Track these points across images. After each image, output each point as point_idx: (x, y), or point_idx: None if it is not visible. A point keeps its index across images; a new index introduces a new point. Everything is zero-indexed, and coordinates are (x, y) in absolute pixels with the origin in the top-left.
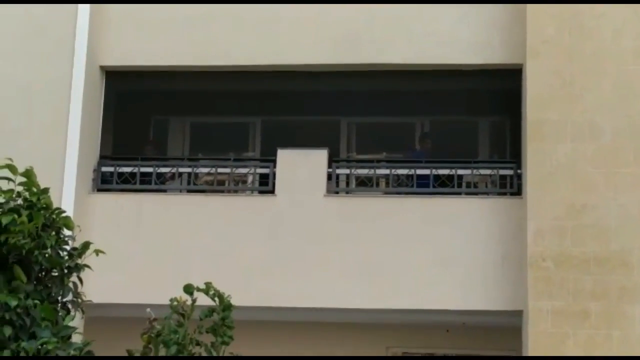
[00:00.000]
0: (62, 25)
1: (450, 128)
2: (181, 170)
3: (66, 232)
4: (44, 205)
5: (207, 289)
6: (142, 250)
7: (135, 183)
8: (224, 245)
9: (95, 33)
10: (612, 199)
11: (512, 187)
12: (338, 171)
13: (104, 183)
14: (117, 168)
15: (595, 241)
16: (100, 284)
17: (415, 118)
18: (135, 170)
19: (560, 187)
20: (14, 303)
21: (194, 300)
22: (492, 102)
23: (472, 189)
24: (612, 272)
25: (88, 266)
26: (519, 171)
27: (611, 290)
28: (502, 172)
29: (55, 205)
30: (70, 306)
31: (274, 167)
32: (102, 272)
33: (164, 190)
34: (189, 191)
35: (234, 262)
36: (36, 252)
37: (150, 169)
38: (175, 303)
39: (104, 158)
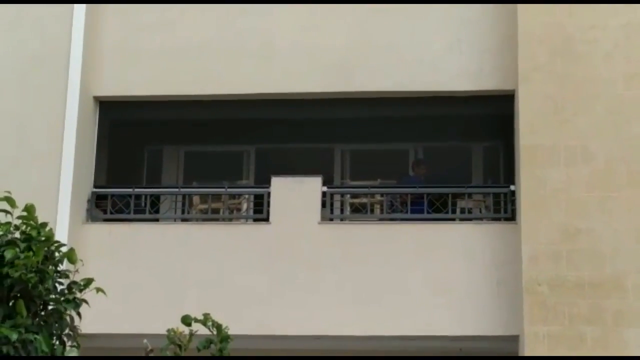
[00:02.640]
0: (56, 57)
1: (444, 154)
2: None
3: (65, 265)
4: (44, 239)
5: (205, 320)
6: (137, 280)
7: (129, 213)
8: (219, 273)
9: (88, 64)
10: (606, 223)
11: (506, 212)
12: (332, 190)
13: (97, 213)
14: (111, 198)
15: (590, 265)
16: (95, 314)
17: (409, 145)
18: (130, 199)
19: (555, 211)
20: (14, 337)
21: (191, 332)
22: (485, 127)
23: (467, 214)
24: (607, 296)
25: (86, 301)
26: (512, 195)
27: (606, 314)
28: (496, 197)
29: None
30: (65, 339)
31: (268, 195)
32: (96, 302)
33: (158, 220)
34: (183, 220)
35: (229, 291)
36: (40, 287)
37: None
38: (172, 334)
39: (97, 188)
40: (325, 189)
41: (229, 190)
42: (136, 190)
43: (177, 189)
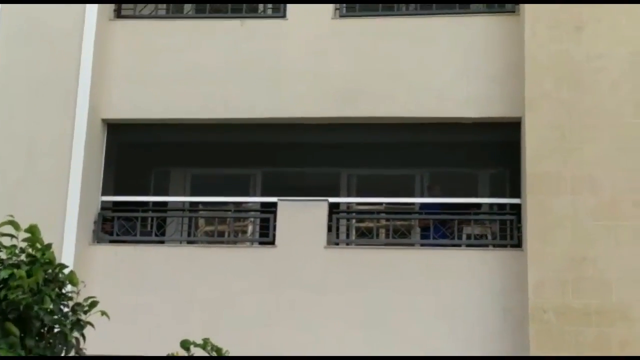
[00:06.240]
0: (65, 79)
1: (450, 180)
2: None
3: (69, 287)
4: (47, 261)
5: (205, 344)
6: (142, 301)
7: (135, 234)
8: (224, 296)
9: (97, 86)
10: (612, 251)
11: (512, 239)
12: (341, 203)
13: (103, 234)
14: (118, 219)
15: (596, 294)
16: (100, 335)
17: (415, 170)
18: (136, 221)
19: (561, 239)
20: None
21: (190, 356)
22: (491, 154)
23: (473, 240)
24: (614, 325)
25: (91, 324)
26: (518, 222)
27: (613, 343)
28: (502, 224)
29: (56, 257)
30: None
31: (274, 218)
32: (101, 323)
33: (164, 242)
34: (189, 242)
35: (235, 313)
36: (36, 308)
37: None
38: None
39: (104, 210)
40: (337, 200)
41: (235, 212)
42: (143, 214)
43: (182, 211)
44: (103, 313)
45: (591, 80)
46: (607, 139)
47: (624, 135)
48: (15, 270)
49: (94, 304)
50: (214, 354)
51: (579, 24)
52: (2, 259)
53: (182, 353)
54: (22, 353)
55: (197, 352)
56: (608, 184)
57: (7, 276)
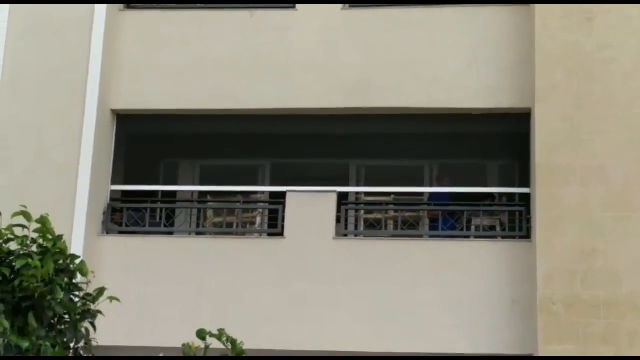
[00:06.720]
0: (75, 70)
1: (459, 171)
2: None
3: (80, 277)
4: (58, 251)
5: (220, 335)
6: (151, 292)
7: (144, 225)
8: (233, 287)
9: (106, 77)
10: (621, 243)
11: (521, 230)
12: (350, 194)
13: (113, 225)
14: (127, 210)
15: (606, 285)
16: (109, 326)
17: (425, 161)
18: (145, 212)
19: (570, 231)
20: (25, 345)
21: (206, 346)
22: (501, 145)
23: (482, 232)
24: (623, 317)
25: (101, 312)
26: (527, 213)
27: (622, 334)
28: (511, 215)
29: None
30: (82, 352)
31: (283, 209)
32: (111, 314)
33: (173, 233)
34: (198, 233)
35: (243, 305)
36: (49, 297)
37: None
38: (187, 349)
39: (114, 201)
40: (346, 189)
41: (244, 204)
42: (152, 205)
43: (191, 202)
44: (112, 299)
45: (601, 71)
46: (617, 130)
47: (634, 126)
48: (29, 260)
49: (101, 292)
50: (229, 344)
51: (589, 15)
52: (13, 250)
53: (197, 343)
54: (34, 340)
55: (212, 342)
56: (618, 175)
57: (21, 266)
